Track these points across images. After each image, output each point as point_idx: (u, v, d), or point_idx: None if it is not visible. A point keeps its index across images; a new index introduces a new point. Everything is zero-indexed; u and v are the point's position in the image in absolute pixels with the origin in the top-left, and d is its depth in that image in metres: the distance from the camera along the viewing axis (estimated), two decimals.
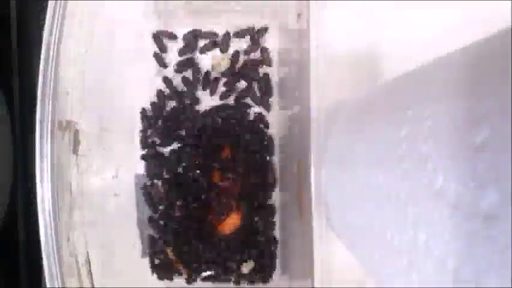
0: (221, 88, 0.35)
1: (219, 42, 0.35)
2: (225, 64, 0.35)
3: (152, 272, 0.34)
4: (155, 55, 0.35)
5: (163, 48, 0.35)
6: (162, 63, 0.35)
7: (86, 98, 0.29)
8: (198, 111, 0.35)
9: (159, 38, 0.35)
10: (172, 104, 0.35)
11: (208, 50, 0.35)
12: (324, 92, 0.25)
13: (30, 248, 0.34)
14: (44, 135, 0.26)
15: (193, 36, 0.35)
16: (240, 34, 0.35)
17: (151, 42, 0.35)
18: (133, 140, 0.35)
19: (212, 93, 0.35)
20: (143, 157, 0.35)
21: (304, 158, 0.26)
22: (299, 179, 0.31)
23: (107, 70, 0.32)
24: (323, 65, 0.25)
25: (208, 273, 0.35)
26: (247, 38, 0.35)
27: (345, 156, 0.25)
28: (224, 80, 0.35)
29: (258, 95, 0.35)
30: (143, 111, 0.35)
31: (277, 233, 0.35)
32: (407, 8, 0.33)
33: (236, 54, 0.35)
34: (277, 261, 0.35)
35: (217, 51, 0.36)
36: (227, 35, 0.35)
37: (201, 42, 0.36)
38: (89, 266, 0.29)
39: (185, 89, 0.35)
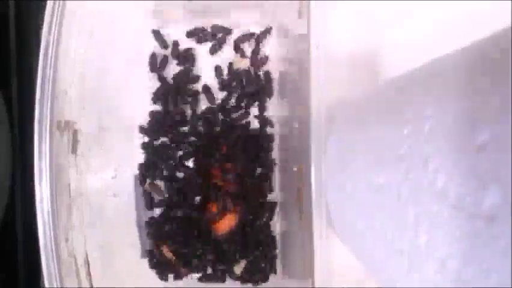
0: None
1: (222, 41, 0.35)
2: (245, 65, 0.35)
3: (152, 269, 0.34)
4: (151, 63, 0.35)
5: (163, 45, 0.35)
6: (157, 68, 0.35)
7: (85, 97, 0.29)
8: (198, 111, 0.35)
9: (159, 34, 0.35)
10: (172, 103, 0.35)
11: (218, 48, 0.35)
12: (324, 92, 0.25)
13: (28, 248, 0.34)
14: (42, 135, 0.26)
15: (191, 35, 0.35)
16: (245, 37, 0.35)
17: (150, 42, 0.35)
18: (133, 140, 0.35)
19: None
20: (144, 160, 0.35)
21: (305, 157, 0.25)
22: (299, 179, 0.31)
23: (106, 70, 0.32)
24: (322, 65, 0.25)
25: (206, 272, 0.35)
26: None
27: (345, 156, 0.25)
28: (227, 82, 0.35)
29: (259, 95, 0.35)
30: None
31: (277, 233, 0.35)
32: (407, 8, 0.33)
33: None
34: (277, 261, 0.35)
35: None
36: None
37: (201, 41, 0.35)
38: (88, 266, 0.29)
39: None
